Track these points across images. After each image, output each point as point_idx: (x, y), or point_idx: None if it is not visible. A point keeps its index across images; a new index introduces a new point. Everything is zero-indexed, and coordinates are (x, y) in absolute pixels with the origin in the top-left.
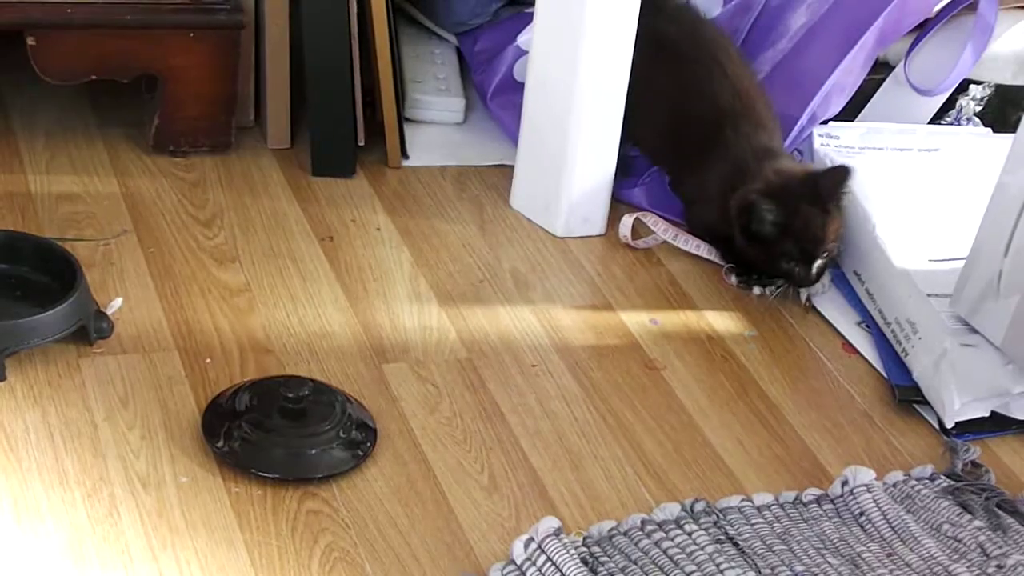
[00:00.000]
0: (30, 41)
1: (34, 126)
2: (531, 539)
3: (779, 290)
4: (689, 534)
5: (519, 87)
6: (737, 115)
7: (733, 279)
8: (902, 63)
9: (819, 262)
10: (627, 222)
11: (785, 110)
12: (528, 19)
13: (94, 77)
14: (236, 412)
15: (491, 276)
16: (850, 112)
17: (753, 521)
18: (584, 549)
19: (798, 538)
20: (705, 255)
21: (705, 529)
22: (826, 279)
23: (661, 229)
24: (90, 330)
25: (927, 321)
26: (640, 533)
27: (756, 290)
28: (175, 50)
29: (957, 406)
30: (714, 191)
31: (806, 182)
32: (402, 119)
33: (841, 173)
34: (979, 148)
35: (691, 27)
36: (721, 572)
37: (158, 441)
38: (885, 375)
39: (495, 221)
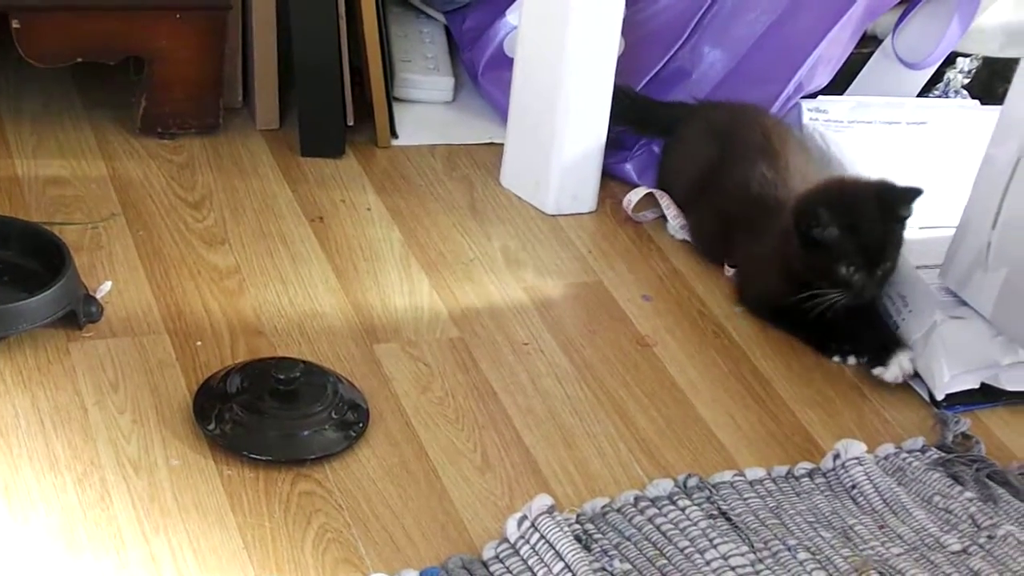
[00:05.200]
0: (15, 24)
1: (20, 110)
2: (524, 517)
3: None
4: (682, 510)
5: (510, 63)
6: (783, 198)
7: (828, 356)
8: (890, 36)
9: (879, 272)
10: (635, 196)
11: (770, 79)
12: None
13: (80, 60)
14: (227, 394)
15: (482, 254)
16: (838, 86)
17: (746, 496)
18: (578, 526)
19: (790, 512)
20: None
21: (698, 504)
22: (906, 363)
23: (672, 213)
24: (79, 314)
25: (917, 294)
26: (633, 509)
27: (851, 359)
28: (161, 32)
29: (947, 378)
30: (768, 256)
31: (869, 191)
32: (391, 99)
33: (911, 193)
34: (967, 121)
35: (739, 114)
36: (714, 547)
37: (149, 425)
38: None
39: (485, 199)
